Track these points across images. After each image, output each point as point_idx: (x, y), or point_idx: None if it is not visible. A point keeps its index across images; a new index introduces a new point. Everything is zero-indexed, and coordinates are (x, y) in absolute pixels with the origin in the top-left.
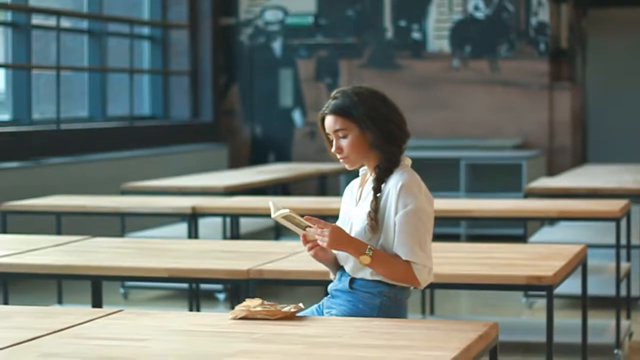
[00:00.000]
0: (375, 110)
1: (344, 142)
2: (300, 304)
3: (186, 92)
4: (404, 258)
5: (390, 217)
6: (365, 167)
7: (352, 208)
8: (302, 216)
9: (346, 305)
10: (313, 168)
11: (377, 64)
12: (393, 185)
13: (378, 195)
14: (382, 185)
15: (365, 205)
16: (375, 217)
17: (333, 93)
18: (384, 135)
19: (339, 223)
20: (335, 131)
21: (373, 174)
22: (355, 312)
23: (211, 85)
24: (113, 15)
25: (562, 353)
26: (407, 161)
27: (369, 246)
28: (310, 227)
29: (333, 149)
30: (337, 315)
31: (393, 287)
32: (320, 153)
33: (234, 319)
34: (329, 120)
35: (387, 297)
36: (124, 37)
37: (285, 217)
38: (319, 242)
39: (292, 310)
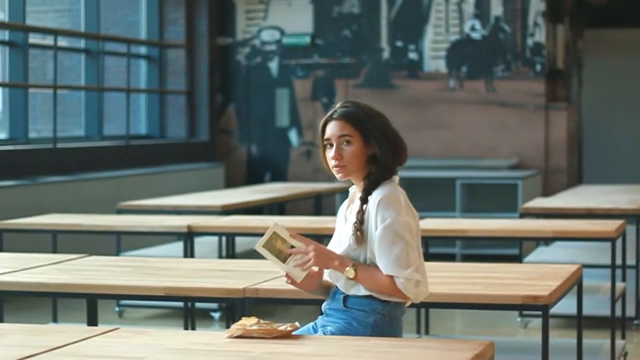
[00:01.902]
0: (383, 129)
1: (347, 149)
2: (296, 323)
3: (183, 111)
4: (384, 273)
5: (372, 230)
6: (354, 187)
7: (343, 227)
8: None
9: (340, 322)
10: (309, 187)
11: (374, 84)
12: (373, 199)
13: (364, 206)
14: (369, 197)
15: (352, 219)
16: (360, 228)
17: (342, 102)
18: (389, 152)
19: (330, 245)
20: (340, 136)
21: (362, 185)
22: (349, 329)
23: (208, 104)
24: (110, 34)
25: None
26: (395, 178)
27: (353, 262)
28: (293, 246)
29: (332, 154)
30: (332, 332)
31: (387, 304)
32: (316, 173)
33: (230, 337)
34: (336, 125)
35: (381, 314)
36: (121, 57)
37: (271, 237)
38: (304, 259)
39: (288, 329)
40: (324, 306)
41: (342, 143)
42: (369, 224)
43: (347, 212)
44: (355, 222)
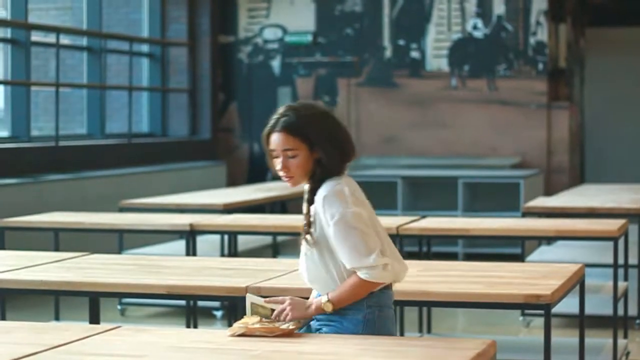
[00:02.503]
0: (328, 131)
1: (293, 162)
2: (299, 321)
3: (185, 109)
4: (348, 267)
5: (323, 227)
6: (307, 185)
7: None
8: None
9: (332, 326)
10: None
11: (376, 83)
12: (318, 199)
13: (311, 207)
14: (316, 197)
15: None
16: (309, 230)
17: (282, 110)
18: (335, 153)
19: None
20: (285, 150)
21: (308, 185)
22: (341, 330)
23: (210, 103)
24: (112, 32)
25: None
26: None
27: (325, 298)
28: (273, 309)
29: (278, 167)
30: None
31: (372, 296)
32: None
33: (232, 335)
34: (278, 138)
35: (370, 307)
36: (123, 55)
37: (252, 308)
38: (285, 316)
39: (291, 327)
40: None
41: (287, 156)
42: (319, 224)
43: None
44: (305, 225)
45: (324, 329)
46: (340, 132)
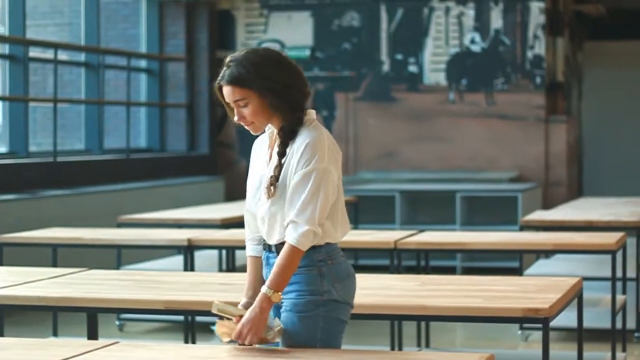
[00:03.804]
0: (271, 77)
1: (246, 111)
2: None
3: (183, 124)
4: (288, 218)
5: (290, 177)
6: (271, 127)
7: (264, 168)
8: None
9: (292, 294)
10: None
11: (374, 97)
12: (298, 145)
13: (283, 160)
14: (288, 149)
15: (271, 168)
16: (276, 183)
17: (227, 59)
18: (284, 101)
19: (249, 181)
20: (235, 101)
21: (278, 138)
22: (303, 295)
23: (208, 118)
24: (110, 48)
25: None
26: (311, 115)
27: (264, 292)
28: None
29: (236, 118)
30: (290, 310)
31: (318, 248)
32: None
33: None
34: (227, 91)
35: (320, 261)
36: (121, 70)
37: (221, 312)
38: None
39: (276, 340)
40: (265, 275)
41: (239, 106)
42: (289, 171)
43: (268, 153)
44: (272, 176)
45: (286, 304)
46: (286, 75)
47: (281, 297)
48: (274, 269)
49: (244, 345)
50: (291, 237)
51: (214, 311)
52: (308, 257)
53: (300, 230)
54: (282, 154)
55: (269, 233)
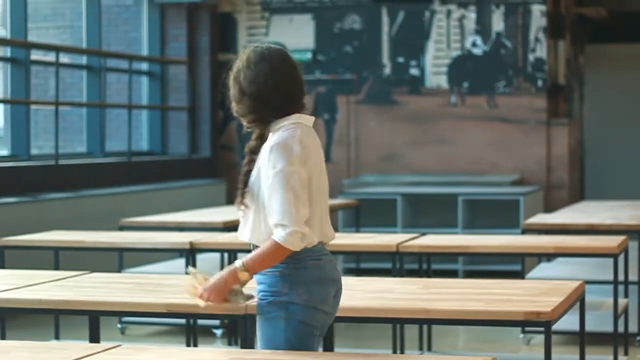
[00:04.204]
0: (241, 86)
1: (236, 111)
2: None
3: (184, 127)
4: (271, 222)
5: (262, 178)
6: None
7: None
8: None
9: (259, 294)
10: None
11: (375, 100)
12: (267, 144)
13: (250, 169)
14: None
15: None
16: (243, 192)
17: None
18: (251, 104)
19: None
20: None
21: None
22: (266, 291)
23: (209, 120)
24: (112, 51)
25: None
26: (293, 119)
27: (237, 266)
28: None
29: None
30: (257, 306)
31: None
32: None
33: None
34: None
35: (285, 263)
36: (123, 73)
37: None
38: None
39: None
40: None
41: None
42: (259, 176)
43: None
44: (239, 188)
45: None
46: (268, 79)
47: (249, 278)
48: (256, 251)
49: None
50: (278, 236)
51: (188, 272)
52: None
53: (288, 230)
54: (249, 161)
55: (243, 231)
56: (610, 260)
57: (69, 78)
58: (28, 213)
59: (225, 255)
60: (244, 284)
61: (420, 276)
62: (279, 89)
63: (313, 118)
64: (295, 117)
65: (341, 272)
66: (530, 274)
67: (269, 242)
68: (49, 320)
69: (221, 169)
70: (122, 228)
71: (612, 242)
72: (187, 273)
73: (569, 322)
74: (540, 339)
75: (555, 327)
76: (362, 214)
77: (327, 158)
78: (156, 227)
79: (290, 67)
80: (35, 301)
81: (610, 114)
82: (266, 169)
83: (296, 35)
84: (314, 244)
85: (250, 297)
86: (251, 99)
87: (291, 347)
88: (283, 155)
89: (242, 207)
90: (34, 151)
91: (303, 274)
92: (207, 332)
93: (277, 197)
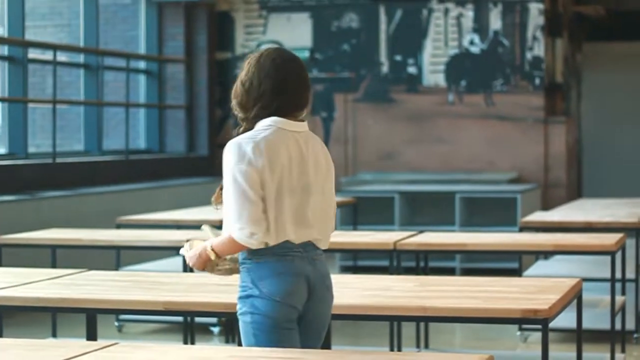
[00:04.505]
0: (243, 79)
1: None
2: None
3: (182, 126)
4: (229, 225)
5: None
6: None
7: None
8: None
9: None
10: None
11: (373, 98)
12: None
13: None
14: None
15: None
16: (221, 189)
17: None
18: (240, 107)
19: None
20: None
21: None
22: (239, 290)
23: (207, 119)
24: (109, 49)
25: None
26: (269, 121)
27: (209, 245)
28: None
29: None
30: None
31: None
32: None
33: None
34: None
35: (247, 257)
36: (120, 71)
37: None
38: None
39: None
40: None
41: None
42: None
43: None
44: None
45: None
46: (250, 85)
47: (218, 260)
48: (220, 237)
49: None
50: (231, 231)
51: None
52: (241, 255)
53: (237, 226)
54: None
55: (224, 227)
56: (608, 258)
57: (66, 76)
58: (25, 211)
59: None
60: (215, 262)
61: (418, 274)
62: (264, 91)
63: (300, 123)
64: (271, 120)
65: (338, 270)
66: (528, 272)
67: (227, 234)
68: (46, 318)
69: (219, 168)
70: (119, 226)
71: (609, 239)
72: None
73: (566, 319)
74: (537, 336)
75: (553, 324)
76: (360, 212)
77: None
78: (153, 225)
79: (279, 71)
80: (32, 299)
81: (607, 112)
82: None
83: (294, 33)
84: (277, 242)
85: (231, 267)
86: (241, 96)
87: (258, 342)
88: (233, 154)
89: (218, 204)
90: (31, 149)
91: (265, 268)
92: (205, 330)
93: (227, 194)
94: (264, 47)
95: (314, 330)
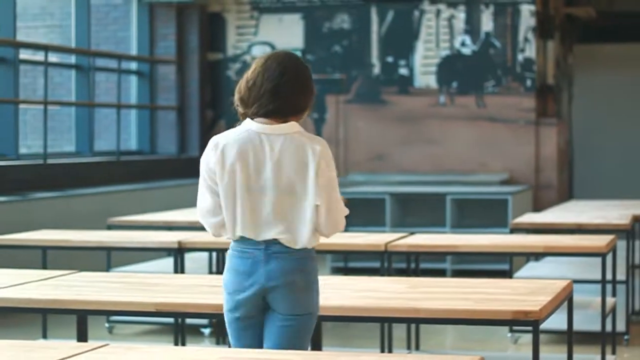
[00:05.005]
0: (250, 78)
1: None
2: None
3: (173, 127)
4: None
5: None
6: None
7: None
8: None
9: None
10: None
11: (364, 100)
12: None
13: None
14: None
15: None
16: None
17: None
18: (241, 103)
19: None
20: None
21: None
22: None
23: (198, 120)
24: (101, 50)
25: None
26: (246, 122)
27: None
28: None
29: None
30: None
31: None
32: None
33: None
34: None
35: (232, 250)
36: (112, 72)
37: None
38: None
39: None
40: None
41: None
42: None
43: None
44: None
45: None
46: (243, 87)
47: None
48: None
49: None
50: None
51: None
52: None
53: (200, 219)
54: None
55: None
56: (598, 260)
57: (57, 77)
58: (16, 212)
59: (214, 254)
60: None
61: (409, 275)
62: (264, 92)
63: (277, 126)
64: (247, 121)
65: (329, 272)
66: (519, 273)
67: None
68: (37, 319)
69: None
70: (110, 227)
71: (600, 241)
72: None
73: (557, 321)
74: (528, 338)
75: (543, 326)
76: (351, 213)
77: None
78: (144, 226)
79: (283, 75)
80: (23, 300)
81: (599, 114)
82: None
83: (285, 34)
84: (234, 237)
85: None
86: (243, 93)
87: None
88: (206, 149)
89: None
90: (22, 150)
91: (228, 262)
92: (195, 331)
93: None
94: (276, 50)
95: (277, 327)
